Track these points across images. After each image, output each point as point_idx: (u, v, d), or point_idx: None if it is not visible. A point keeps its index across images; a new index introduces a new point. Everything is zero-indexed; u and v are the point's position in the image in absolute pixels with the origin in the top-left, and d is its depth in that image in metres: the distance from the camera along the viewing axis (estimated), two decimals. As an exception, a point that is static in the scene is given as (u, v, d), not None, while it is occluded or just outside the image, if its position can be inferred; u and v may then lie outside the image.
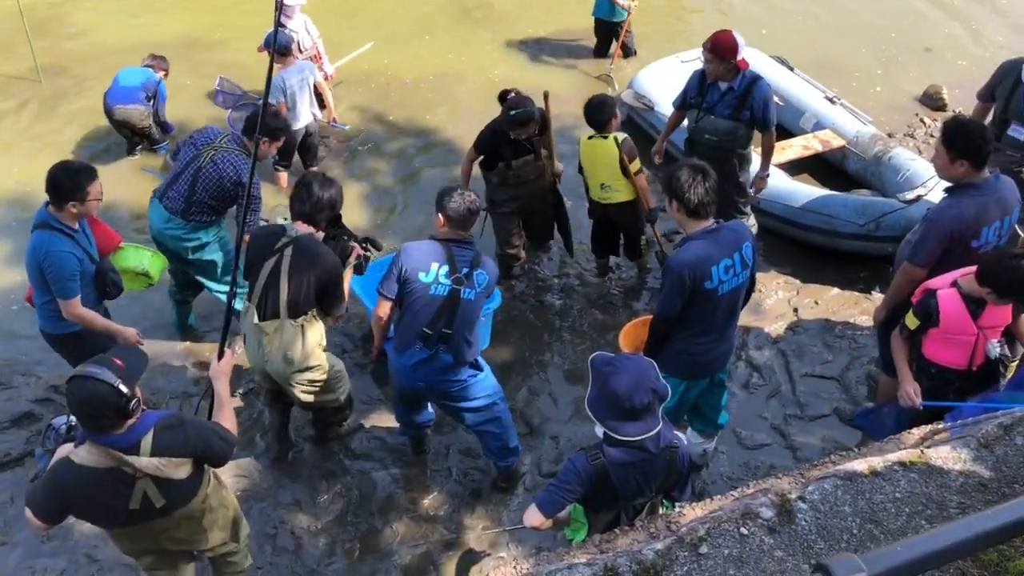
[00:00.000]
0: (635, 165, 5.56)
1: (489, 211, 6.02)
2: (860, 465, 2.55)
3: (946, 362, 4.20)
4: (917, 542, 1.28)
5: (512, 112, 5.48)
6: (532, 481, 4.99)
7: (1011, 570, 2.20)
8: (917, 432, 3.72)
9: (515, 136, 5.62)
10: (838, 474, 2.51)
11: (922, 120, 8.19)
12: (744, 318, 6.06)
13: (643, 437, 3.16)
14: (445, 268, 4.14)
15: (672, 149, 6.76)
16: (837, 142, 7.16)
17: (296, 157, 7.33)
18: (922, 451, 2.61)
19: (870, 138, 7.07)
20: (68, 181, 4.24)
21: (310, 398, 4.61)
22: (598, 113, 5.55)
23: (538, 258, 6.51)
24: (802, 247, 6.60)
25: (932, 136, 7.83)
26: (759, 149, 5.99)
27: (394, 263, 4.20)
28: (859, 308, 6.12)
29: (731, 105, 5.66)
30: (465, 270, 4.17)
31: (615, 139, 5.51)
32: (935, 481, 2.52)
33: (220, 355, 3.73)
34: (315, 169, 7.38)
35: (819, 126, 7.34)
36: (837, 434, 5.26)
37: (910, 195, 6.20)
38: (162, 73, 7.58)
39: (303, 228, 4.31)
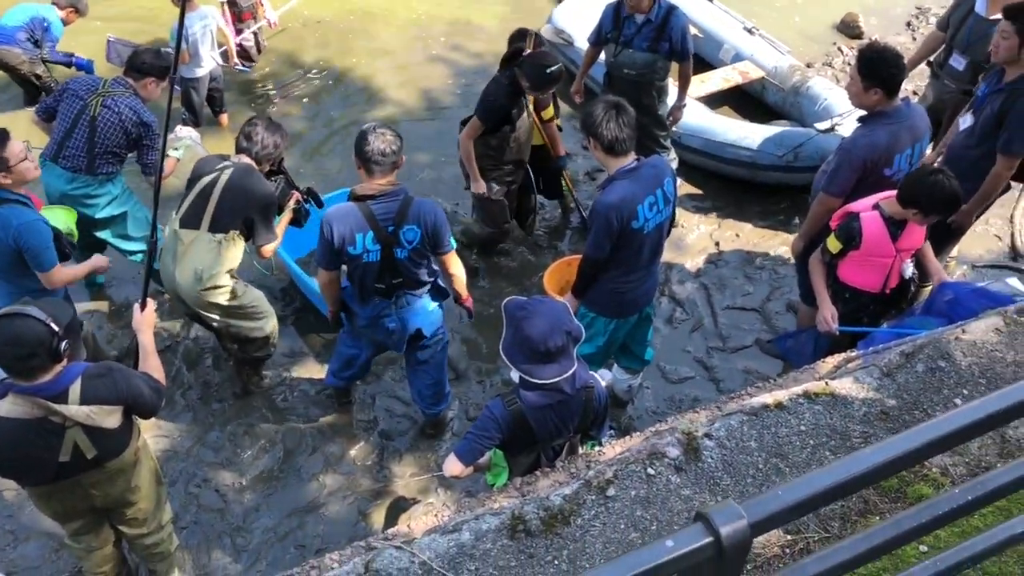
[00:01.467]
0: (547, 112, 5.42)
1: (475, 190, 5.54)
2: (766, 399, 2.56)
3: (861, 285, 4.29)
4: (797, 485, 1.27)
5: (548, 70, 4.87)
6: (460, 426, 4.98)
7: (910, 495, 2.25)
8: (831, 361, 3.79)
9: (542, 95, 5.18)
10: (744, 409, 2.52)
11: (840, 49, 8.22)
12: (666, 254, 6.05)
13: (559, 379, 3.15)
14: (370, 234, 3.86)
15: (593, 85, 6.67)
16: (756, 74, 7.15)
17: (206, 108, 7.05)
18: (826, 382, 2.63)
19: (788, 68, 7.07)
20: None
21: (224, 323, 4.59)
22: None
23: (461, 201, 6.41)
24: (723, 180, 6.61)
25: (849, 64, 7.87)
26: (675, 80, 5.94)
27: (322, 234, 3.92)
28: (779, 239, 6.20)
29: (648, 37, 5.58)
30: (391, 228, 3.88)
31: None
32: (839, 412, 2.54)
33: (143, 306, 3.66)
34: (225, 116, 7.14)
35: (738, 58, 7.31)
36: (758, 364, 5.35)
37: (825, 124, 6.24)
38: (67, 11, 6.80)
39: (246, 159, 4.45)
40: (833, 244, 4.24)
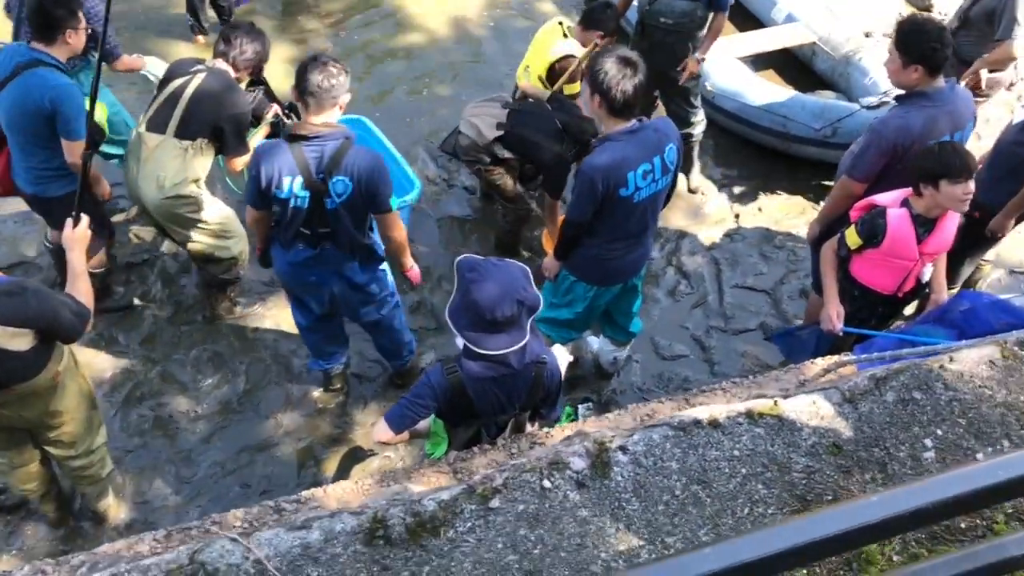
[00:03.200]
0: (573, 88, 5.04)
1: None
2: (701, 413, 2.21)
3: (874, 285, 3.91)
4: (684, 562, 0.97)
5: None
6: (432, 379, 4.72)
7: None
8: (821, 363, 3.45)
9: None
10: (671, 423, 2.16)
11: (905, 20, 7.60)
12: (681, 220, 5.71)
13: (505, 351, 2.85)
14: (299, 180, 3.43)
15: (629, 28, 6.22)
16: (807, 38, 6.61)
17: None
18: (776, 402, 2.28)
19: (843, 36, 6.53)
20: (60, 8, 3.89)
21: (185, 235, 4.39)
22: (592, 12, 5.06)
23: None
24: (754, 148, 6.16)
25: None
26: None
27: (249, 171, 3.56)
28: (804, 219, 5.77)
29: (690, -16, 5.12)
30: (320, 176, 3.45)
31: (572, 49, 5.02)
32: (783, 439, 2.18)
33: (75, 221, 3.33)
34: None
35: (791, 19, 6.77)
36: (759, 350, 5.00)
37: (873, 99, 5.74)
38: None
39: (222, 64, 4.22)
40: (852, 238, 3.84)
